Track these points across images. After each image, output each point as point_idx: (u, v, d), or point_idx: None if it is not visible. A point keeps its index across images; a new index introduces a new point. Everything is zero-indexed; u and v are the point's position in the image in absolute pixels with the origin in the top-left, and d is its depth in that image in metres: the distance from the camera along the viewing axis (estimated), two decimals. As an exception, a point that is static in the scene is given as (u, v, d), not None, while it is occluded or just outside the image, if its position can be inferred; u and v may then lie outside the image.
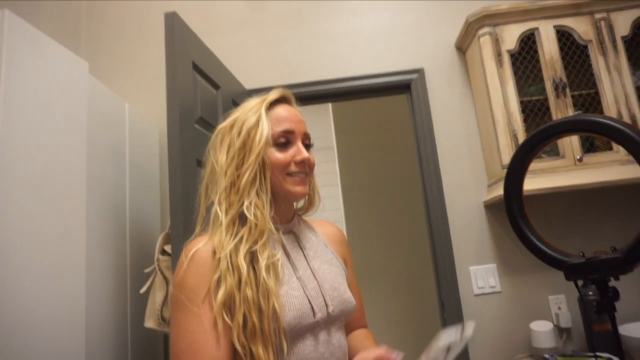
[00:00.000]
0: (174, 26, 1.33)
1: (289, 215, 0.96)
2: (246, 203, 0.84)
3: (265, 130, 0.86)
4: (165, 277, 1.47)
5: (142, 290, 1.49)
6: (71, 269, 1.18)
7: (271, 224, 0.84)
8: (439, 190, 1.93)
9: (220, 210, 0.85)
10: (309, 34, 2.14)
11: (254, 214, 0.83)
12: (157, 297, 1.47)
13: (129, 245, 1.58)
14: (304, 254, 0.92)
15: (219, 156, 0.88)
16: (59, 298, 1.12)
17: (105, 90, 1.54)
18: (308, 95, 2.07)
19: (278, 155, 0.87)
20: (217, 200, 0.86)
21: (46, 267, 1.09)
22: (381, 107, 3.23)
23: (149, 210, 1.78)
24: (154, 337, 1.67)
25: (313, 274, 0.88)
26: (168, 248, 1.47)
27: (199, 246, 0.81)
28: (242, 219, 0.84)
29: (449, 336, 0.64)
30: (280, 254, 0.85)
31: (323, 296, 0.85)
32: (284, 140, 0.89)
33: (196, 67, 1.46)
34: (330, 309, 0.84)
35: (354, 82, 2.07)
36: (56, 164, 1.16)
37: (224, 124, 0.92)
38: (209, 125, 1.48)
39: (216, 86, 1.62)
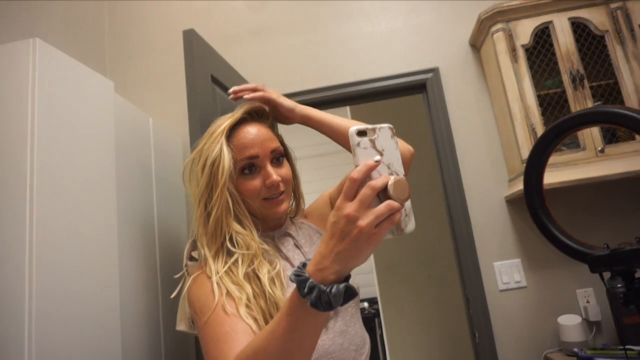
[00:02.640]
0: (192, 42, 1.39)
1: (281, 221, 0.97)
2: (227, 236, 0.84)
3: (226, 163, 0.84)
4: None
5: (173, 295, 1.54)
6: (105, 277, 1.24)
7: (263, 242, 0.86)
8: (459, 187, 1.94)
9: (201, 245, 0.86)
10: (324, 39, 2.18)
11: (241, 243, 0.83)
12: (187, 301, 1.52)
13: (159, 253, 1.64)
14: (301, 252, 0.93)
15: (189, 190, 0.89)
16: (95, 305, 1.18)
17: (130, 107, 1.61)
18: (325, 99, 2.11)
19: (247, 185, 0.87)
20: (197, 234, 0.87)
21: (83, 275, 1.15)
22: (399, 107, 3.24)
23: (176, 219, 1.84)
24: (185, 339, 1.73)
25: None
26: (195, 254, 1.53)
27: (197, 274, 0.84)
28: (231, 243, 0.85)
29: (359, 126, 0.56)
30: (278, 261, 0.86)
31: None
32: (249, 168, 0.87)
33: (215, 80, 1.52)
34: None
35: (371, 85, 2.09)
36: (88, 180, 1.23)
37: (190, 157, 0.91)
38: (230, 135, 1.52)
39: (235, 97, 1.67)
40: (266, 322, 0.77)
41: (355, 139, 0.55)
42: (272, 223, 0.96)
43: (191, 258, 1.57)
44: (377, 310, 3.58)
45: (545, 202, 1.28)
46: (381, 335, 3.54)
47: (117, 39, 2.28)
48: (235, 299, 0.77)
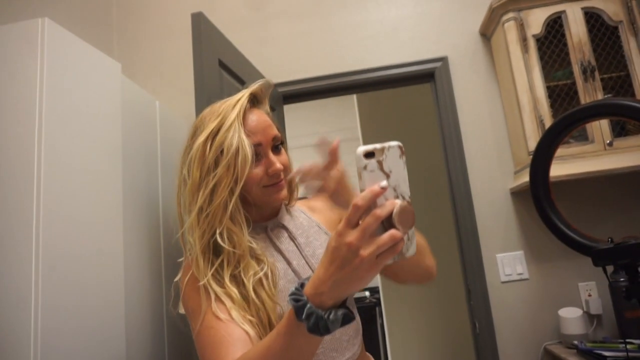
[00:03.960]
0: (201, 26, 1.38)
1: (276, 210, 0.95)
2: (218, 231, 0.81)
3: (249, 154, 0.81)
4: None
5: (177, 278, 1.56)
6: (110, 261, 1.26)
7: (252, 242, 0.84)
8: (464, 177, 1.93)
9: (193, 238, 0.84)
10: (331, 26, 2.16)
11: (229, 241, 0.81)
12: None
13: (163, 236, 1.65)
14: (295, 244, 0.91)
15: (194, 173, 0.85)
16: (100, 288, 1.20)
17: (137, 89, 1.60)
18: (333, 87, 2.10)
19: (250, 172, 0.83)
20: (188, 225, 0.85)
21: (88, 258, 1.16)
22: (406, 96, 3.21)
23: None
24: (189, 325, 1.76)
25: (307, 263, 0.88)
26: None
27: (188, 275, 0.84)
28: (221, 238, 0.82)
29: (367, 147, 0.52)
30: (266, 261, 0.84)
31: None
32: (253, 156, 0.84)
33: (222, 64, 1.51)
34: None
35: (378, 73, 2.08)
36: (94, 162, 1.24)
37: (200, 140, 0.85)
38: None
39: (241, 81, 1.66)
40: (259, 326, 0.76)
41: (362, 162, 0.52)
42: (267, 212, 0.93)
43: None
44: (378, 299, 3.61)
45: (550, 195, 1.27)
46: (382, 324, 3.57)
47: (125, 22, 2.27)
48: (226, 303, 0.77)
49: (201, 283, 0.80)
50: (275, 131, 0.89)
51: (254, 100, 0.91)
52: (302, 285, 0.57)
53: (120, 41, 2.25)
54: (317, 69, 2.10)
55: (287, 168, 0.90)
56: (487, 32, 2.01)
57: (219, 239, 0.81)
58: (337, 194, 0.78)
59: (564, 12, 1.75)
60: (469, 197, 1.91)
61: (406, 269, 0.88)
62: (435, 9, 2.11)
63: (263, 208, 0.91)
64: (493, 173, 1.94)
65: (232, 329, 0.73)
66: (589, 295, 1.78)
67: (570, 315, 1.67)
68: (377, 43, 2.11)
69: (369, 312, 4.07)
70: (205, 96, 1.36)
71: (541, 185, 1.28)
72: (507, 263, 1.86)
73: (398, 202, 0.51)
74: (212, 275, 0.81)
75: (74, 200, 1.14)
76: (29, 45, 1.08)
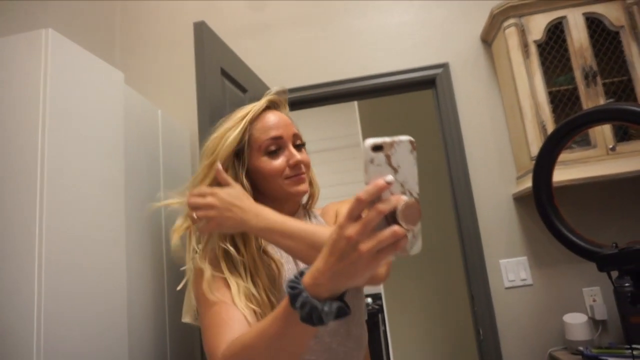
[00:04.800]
0: (203, 35, 1.39)
1: (294, 209, 0.99)
2: None
3: (236, 139, 0.88)
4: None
5: (179, 287, 1.56)
6: (112, 270, 1.26)
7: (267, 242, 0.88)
8: (466, 183, 1.93)
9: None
10: (334, 33, 2.17)
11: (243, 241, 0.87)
12: (192, 293, 1.53)
13: (165, 245, 1.65)
14: None
15: (202, 164, 0.92)
16: (103, 296, 1.20)
17: (139, 98, 1.61)
18: (334, 94, 2.10)
19: (272, 164, 0.90)
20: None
21: (91, 268, 1.16)
22: (407, 102, 3.22)
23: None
24: (191, 330, 1.75)
25: (296, 262, 0.91)
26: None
27: (200, 261, 0.87)
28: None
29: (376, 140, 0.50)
30: (280, 254, 0.89)
31: None
32: (274, 148, 0.91)
33: (224, 73, 1.52)
34: None
35: (379, 80, 2.08)
36: (97, 170, 1.24)
37: (212, 136, 0.92)
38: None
39: (244, 90, 1.67)
40: (261, 317, 0.78)
41: (369, 155, 0.49)
42: (286, 211, 0.94)
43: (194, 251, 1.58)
44: (381, 306, 3.59)
45: (553, 200, 1.27)
46: (385, 331, 3.55)
47: (127, 31, 2.29)
48: (232, 288, 0.80)
49: (206, 268, 0.83)
50: (296, 130, 0.95)
51: (273, 105, 0.97)
52: (301, 274, 0.56)
53: (123, 50, 2.26)
54: (318, 76, 2.11)
55: (308, 165, 0.95)
56: (488, 39, 2.01)
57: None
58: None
59: (565, 17, 1.75)
60: (472, 203, 1.91)
61: None
62: (436, 15, 2.11)
63: (283, 204, 0.94)
64: (495, 179, 1.94)
65: (233, 312, 0.76)
66: (594, 301, 1.77)
67: (575, 321, 1.66)
68: (378, 50, 2.12)
69: (372, 319, 4.04)
70: (207, 104, 1.36)
71: (544, 191, 1.27)
72: (510, 269, 1.85)
73: (404, 197, 0.49)
74: (225, 261, 0.85)
75: (77, 208, 1.14)
76: (33, 55, 1.09)
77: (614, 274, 1.16)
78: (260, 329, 0.62)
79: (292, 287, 0.55)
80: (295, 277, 0.56)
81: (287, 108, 1.01)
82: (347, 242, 0.49)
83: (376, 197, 0.48)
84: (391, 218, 0.49)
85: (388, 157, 0.50)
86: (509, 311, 1.81)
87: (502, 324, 1.80)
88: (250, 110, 0.93)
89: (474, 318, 1.88)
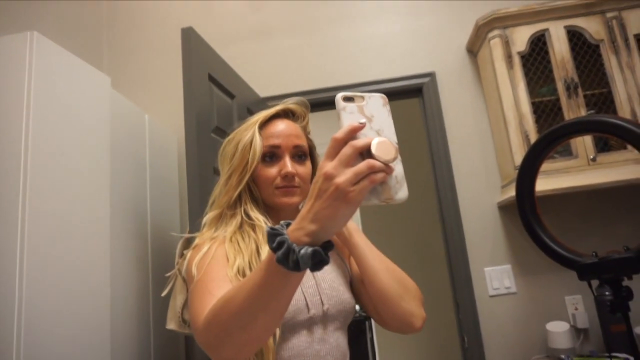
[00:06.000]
0: (191, 40, 1.39)
1: (291, 218, 0.99)
2: (244, 212, 0.92)
3: (257, 148, 0.91)
4: (185, 281, 1.52)
5: (164, 293, 1.54)
6: (96, 274, 1.24)
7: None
8: (452, 192, 1.95)
9: (219, 206, 0.94)
10: (321, 41, 2.19)
11: (256, 220, 0.91)
12: (177, 299, 1.51)
13: (151, 250, 1.64)
14: None
15: (220, 165, 0.98)
16: (85, 300, 1.18)
17: (126, 103, 1.60)
18: (321, 101, 2.11)
19: (265, 171, 0.92)
20: (215, 195, 0.96)
21: (74, 270, 1.15)
22: (394, 111, 3.24)
23: (169, 216, 1.84)
24: (175, 338, 1.73)
25: (312, 274, 0.90)
26: (187, 253, 1.53)
27: (198, 241, 0.92)
28: (247, 217, 0.93)
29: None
30: None
31: (320, 294, 0.88)
32: (270, 156, 0.93)
33: (212, 79, 1.52)
34: (326, 307, 0.86)
35: (367, 87, 2.10)
36: (82, 174, 1.23)
37: (226, 139, 0.98)
38: (225, 133, 1.52)
39: (231, 96, 1.67)
40: None
41: (341, 104, 0.53)
42: (284, 218, 0.94)
43: (183, 256, 1.57)
44: (368, 312, 3.59)
45: (537, 209, 1.29)
46: (371, 338, 3.54)
47: (115, 35, 2.28)
48: (230, 261, 0.82)
49: (206, 245, 0.86)
50: (300, 141, 0.96)
51: (290, 114, 0.99)
52: (288, 224, 0.56)
53: (110, 55, 2.25)
54: (306, 83, 2.12)
55: (304, 178, 0.95)
56: (473, 49, 2.05)
57: (244, 217, 0.91)
58: None
59: (547, 30, 1.79)
60: (457, 211, 1.93)
61: (388, 306, 0.90)
62: (424, 25, 2.15)
63: (279, 212, 0.96)
64: (480, 187, 1.96)
65: (225, 282, 0.77)
66: (576, 309, 1.79)
67: (558, 330, 1.68)
68: (366, 58, 2.14)
69: (359, 327, 4.03)
70: (194, 110, 1.36)
71: (527, 200, 1.29)
72: (495, 277, 1.87)
73: (379, 137, 0.50)
74: (229, 240, 0.88)
75: (62, 210, 1.13)
76: (17, 58, 1.08)
77: (595, 282, 1.18)
78: (241, 283, 0.62)
79: (272, 229, 0.55)
80: (280, 225, 0.56)
81: (306, 120, 1.02)
82: (324, 179, 0.50)
83: (351, 138, 0.51)
84: (368, 156, 0.50)
85: (360, 108, 0.53)
86: (493, 319, 1.83)
87: (486, 332, 1.82)
88: (261, 115, 0.96)
89: (459, 326, 1.89)
